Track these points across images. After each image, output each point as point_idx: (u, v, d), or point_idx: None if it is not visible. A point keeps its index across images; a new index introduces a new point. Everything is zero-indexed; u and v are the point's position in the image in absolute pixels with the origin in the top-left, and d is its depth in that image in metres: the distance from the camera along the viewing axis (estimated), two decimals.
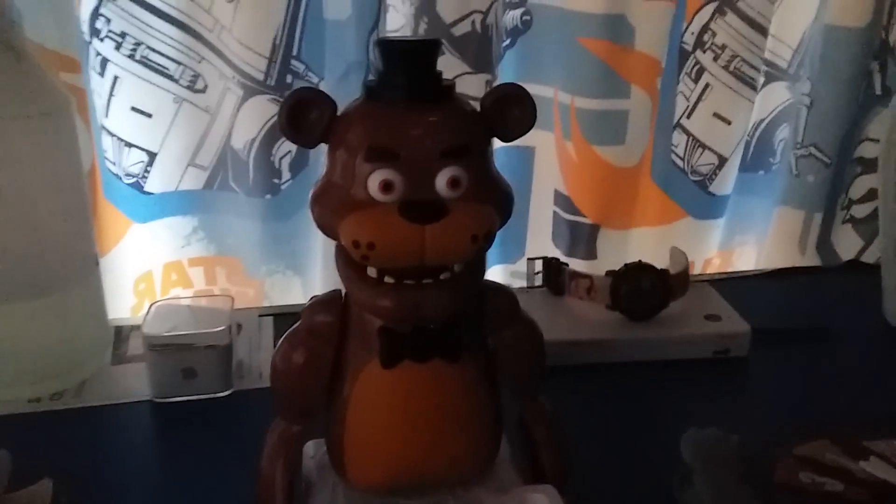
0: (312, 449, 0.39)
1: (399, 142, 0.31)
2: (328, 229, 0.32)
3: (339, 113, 0.32)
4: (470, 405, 0.35)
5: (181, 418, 0.51)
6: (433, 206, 0.30)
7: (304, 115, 0.31)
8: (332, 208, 0.31)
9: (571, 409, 0.39)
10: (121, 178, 0.65)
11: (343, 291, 0.34)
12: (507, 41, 0.69)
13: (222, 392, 0.53)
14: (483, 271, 0.34)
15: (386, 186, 0.30)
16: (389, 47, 0.32)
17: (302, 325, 0.35)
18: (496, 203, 0.32)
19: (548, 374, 0.38)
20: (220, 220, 0.70)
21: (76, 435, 0.49)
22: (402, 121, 0.31)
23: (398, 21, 0.63)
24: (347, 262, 0.32)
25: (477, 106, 0.33)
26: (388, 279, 0.31)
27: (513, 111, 0.32)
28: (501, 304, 0.36)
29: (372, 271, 0.31)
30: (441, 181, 0.31)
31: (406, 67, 0.31)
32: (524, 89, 0.33)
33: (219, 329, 0.52)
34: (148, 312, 0.53)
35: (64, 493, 0.42)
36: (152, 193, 0.67)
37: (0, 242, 0.49)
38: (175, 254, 0.71)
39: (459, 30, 0.62)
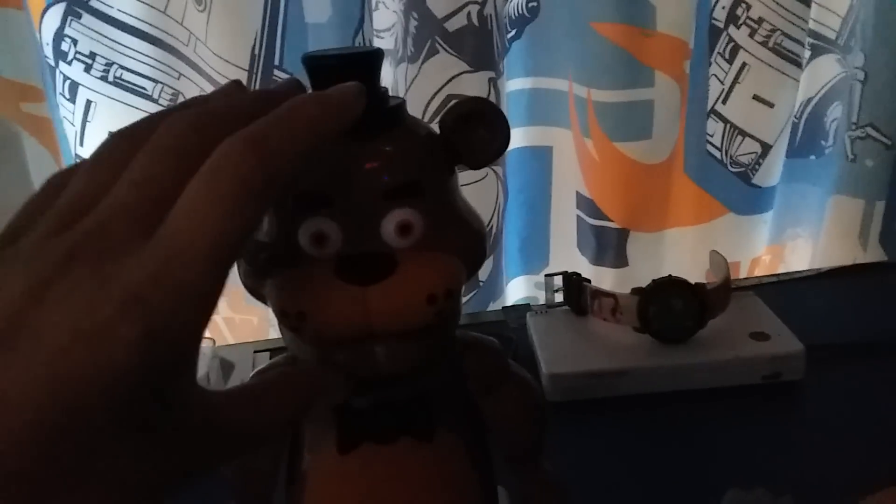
0: None
1: (332, 183, 0.24)
2: (254, 293, 0.26)
3: None
4: (449, 492, 0.28)
5: None
6: (378, 260, 0.24)
7: None
8: (255, 267, 0.26)
9: (592, 451, 0.33)
10: None
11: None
12: (513, 32, 0.62)
13: None
14: (457, 318, 0.28)
15: (318, 239, 0.24)
16: (315, 64, 0.25)
17: None
18: (462, 250, 0.26)
19: (567, 410, 0.31)
20: None
21: None
22: (336, 156, 0.25)
23: (387, 19, 0.57)
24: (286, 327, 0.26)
25: (436, 128, 0.27)
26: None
27: (477, 132, 0.26)
28: (483, 362, 0.30)
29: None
30: (388, 227, 0.24)
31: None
32: (491, 104, 0.26)
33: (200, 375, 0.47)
34: None
35: None
36: None
37: None
38: None
39: (454, 24, 0.56)
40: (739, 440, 0.45)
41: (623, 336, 0.51)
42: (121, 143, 0.21)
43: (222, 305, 0.68)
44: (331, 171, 0.25)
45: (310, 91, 0.26)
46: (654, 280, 0.50)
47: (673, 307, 0.49)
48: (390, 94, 0.26)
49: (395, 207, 0.24)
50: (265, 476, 0.30)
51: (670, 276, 0.50)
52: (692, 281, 0.50)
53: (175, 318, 0.18)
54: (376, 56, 0.26)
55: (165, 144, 0.20)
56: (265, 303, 0.26)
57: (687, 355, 0.49)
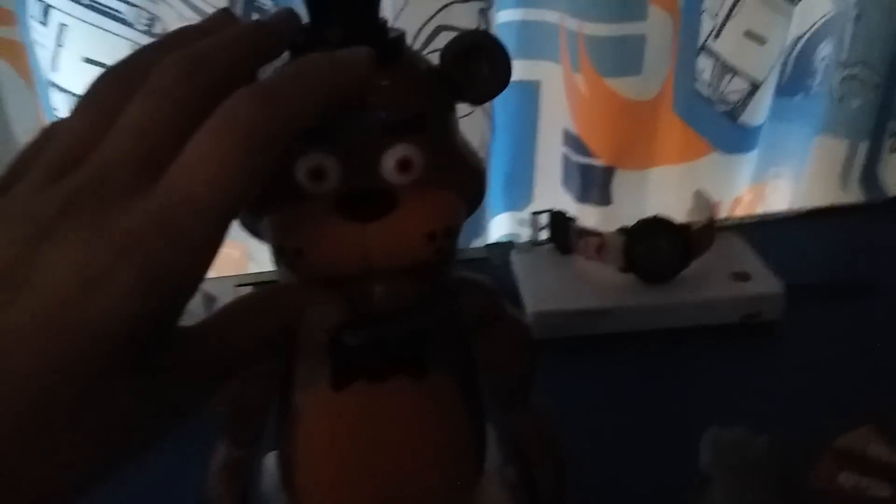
0: (272, 463, 0.34)
1: (332, 116, 0.24)
2: (250, 229, 0.26)
3: None
4: (443, 430, 0.29)
5: None
6: (378, 196, 0.24)
7: None
8: (251, 204, 0.25)
9: (575, 389, 0.33)
10: None
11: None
12: None
13: None
14: (454, 257, 0.27)
15: (316, 174, 0.24)
16: None
17: None
18: (461, 187, 0.25)
19: (551, 348, 0.32)
20: None
21: None
22: None
23: None
24: (281, 263, 0.26)
25: (435, 61, 0.26)
26: None
27: (480, 67, 0.25)
28: (480, 302, 0.30)
29: None
30: (388, 163, 0.24)
31: (336, 16, 0.24)
32: (494, 38, 0.25)
33: None
34: None
35: None
36: None
37: None
38: None
39: None
40: (720, 379, 0.47)
41: (608, 275, 0.51)
42: (113, 85, 0.21)
43: None
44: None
45: (304, 21, 0.25)
46: (640, 220, 0.50)
47: (658, 247, 0.50)
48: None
49: (396, 143, 0.24)
50: (256, 412, 0.30)
51: (656, 215, 0.50)
52: (677, 221, 0.50)
53: (176, 264, 0.18)
54: None
55: (162, 89, 0.20)
56: (260, 238, 0.25)
57: (670, 295, 0.50)
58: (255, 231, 0.25)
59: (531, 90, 0.66)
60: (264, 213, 0.24)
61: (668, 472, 0.37)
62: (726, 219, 0.67)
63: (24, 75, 0.54)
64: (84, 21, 0.56)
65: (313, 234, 0.24)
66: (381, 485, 0.28)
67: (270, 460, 0.34)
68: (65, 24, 0.56)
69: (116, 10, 0.56)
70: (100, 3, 0.56)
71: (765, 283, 0.51)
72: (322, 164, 0.24)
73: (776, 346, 0.50)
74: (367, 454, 0.28)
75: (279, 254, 0.24)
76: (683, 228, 0.50)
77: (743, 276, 0.51)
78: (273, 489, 0.33)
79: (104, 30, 0.57)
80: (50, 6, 0.55)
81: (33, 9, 0.54)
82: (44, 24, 0.55)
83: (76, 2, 0.55)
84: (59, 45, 0.56)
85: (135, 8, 0.57)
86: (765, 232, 0.60)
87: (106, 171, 0.18)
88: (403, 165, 0.24)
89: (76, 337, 0.17)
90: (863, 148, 0.70)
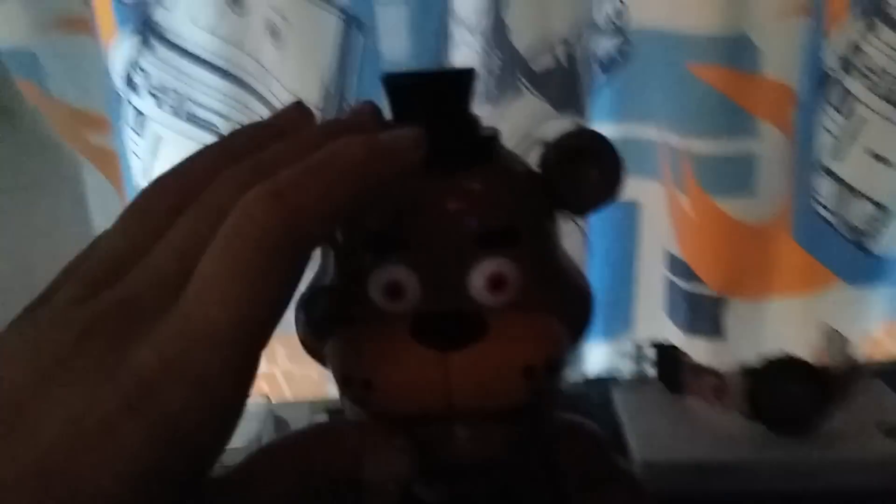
0: None
1: (413, 224, 0.20)
2: (313, 353, 0.21)
3: None
4: None
5: None
6: (464, 320, 0.19)
7: None
8: (315, 321, 0.21)
9: None
10: None
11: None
12: (603, 76, 0.58)
13: None
14: (556, 398, 0.22)
15: (393, 291, 0.20)
16: (395, 84, 0.21)
17: None
18: (565, 312, 0.21)
19: None
20: None
21: None
22: (418, 193, 0.20)
23: (466, 58, 0.53)
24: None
25: (534, 165, 0.22)
26: None
27: (588, 172, 0.21)
28: (584, 455, 0.24)
29: None
30: (477, 281, 0.20)
31: (422, 113, 0.21)
32: (603, 138, 0.21)
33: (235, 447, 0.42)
34: None
35: None
36: None
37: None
38: None
39: (540, 63, 0.51)
40: None
41: (729, 423, 0.44)
42: (163, 196, 0.18)
43: (280, 355, 0.64)
44: (410, 210, 0.20)
45: (388, 117, 0.21)
46: (766, 358, 0.43)
47: (791, 392, 0.42)
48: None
49: (487, 257, 0.20)
50: None
51: (787, 354, 0.43)
52: (811, 360, 0.43)
53: (188, 412, 0.15)
54: (467, 76, 0.21)
55: (216, 207, 0.17)
56: (324, 364, 0.21)
57: (806, 450, 0.42)
58: (318, 356, 0.21)
59: (630, 212, 0.62)
60: (329, 335, 0.20)
61: None
62: (865, 362, 0.59)
63: (115, 181, 0.54)
64: (180, 133, 0.56)
65: (385, 364, 0.19)
66: None
67: None
68: (160, 136, 0.56)
69: (211, 123, 0.57)
70: (196, 116, 0.56)
71: None
72: (399, 279, 0.20)
73: None
74: None
75: (345, 386, 0.20)
76: (821, 370, 0.42)
77: (894, 430, 0.43)
78: None
79: (198, 142, 0.57)
80: (148, 117, 0.55)
81: (131, 119, 0.55)
82: (140, 134, 0.56)
83: (174, 115, 0.56)
84: (154, 156, 0.56)
85: (229, 121, 0.57)
86: None
87: (134, 295, 0.16)
88: (496, 284, 0.20)
89: (71, 489, 0.15)
90: None
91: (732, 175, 0.57)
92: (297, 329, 0.22)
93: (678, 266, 0.61)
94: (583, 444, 0.24)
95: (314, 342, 0.21)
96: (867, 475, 0.41)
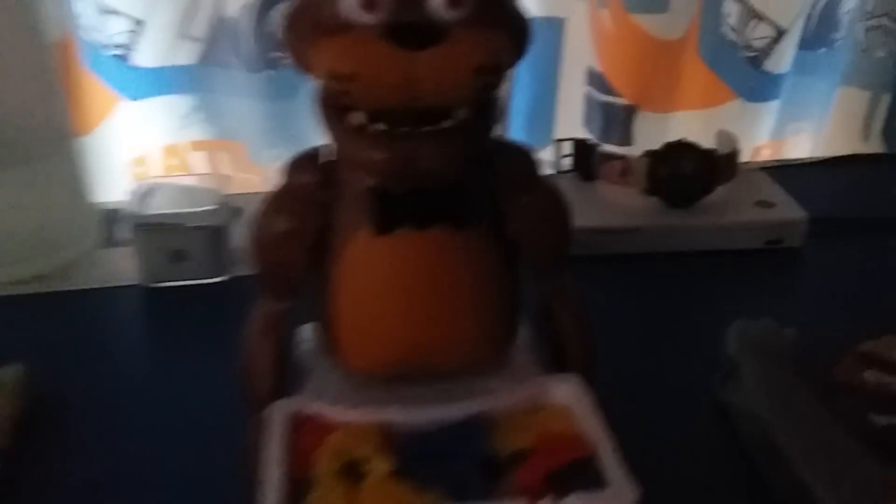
0: (307, 333, 0.34)
1: None
2: (302, 61, 0.26)
3: None
4: (478, 280, 0.29)
5: (171, 304, 0.47)
6: (427, 28, 0.24)
7: None
8: (303, 33, 0.25)
9: (601, 302, 0.34)
10: (104, 49, 0.59)
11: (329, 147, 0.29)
12: None
13: (215, 277, 0.49)
14: (494, 119, 0.28)
15: (368, 4, 0.24)
16: None
17: (281, 189, 0.29)
18: (511, 29, 0.26)
19: (575, 264, 0.32)
20: (220, 100, 0.65)
21: (60, 319, 0.46)
22: None
23: None
24: (329, 106, 0.26)
25: None
26: (376, 126, 0.25)
27: None
28: (517, 166, 0.30)
29: (357, 117, 0.26)
30: None
31: None
32: None
33: (209, 208, 0.47)
34: (137, 191, 0.49)
35: (36, 378, 0.38)
36: (142, 67, 0.61)
37: None
38: (173, 136, 0.65)
39: None
40: (740, 301, 0.47)
41: (632, 198, 0.51)
42: None
43: (224, 164, 0.68)
44: None
45: None
46: (666, 143, 0.50)
47: (683, 170, 0.50)
48: None
49: None
50: (294, 266, 0.30)
51: (682, 139, 0.50)
52: (702, 146, 0.50)
53: None
54: None
55: None
56: (310, 71, 0.26)
57: (693, 218, 0.50)
58: (307, 64, 0.26)
59: (555, 27, 0.66)
60: (315, 42, 0.25)
61: (695, 364, 0.37)
62: (749, 163, 0.67)
63: None
64: None
65: (365, 59, 0.24)
66: (416, 329, 0.29)
67: (305, 333, 0.34)
68: None
69: None
70: None
71: (788, 210, 0.51)
72: None
73: (797, 272, 0.50)
74: (405, 298, 0.28)
75: (332, 79, 0.24)
76: (709, 153, 0.50)
77: (766, 204, 0.51)
78: (310, 355, 0.33)
79: None
80: None
81: None
82: None
83: None
84: None
85: None
86: (786, 174, 0.60)
87: None
88: (453, 2, 0.24)
89: None
90: (885, 100, 0.70)
91: None
92: (286, 43, 0.26)
93: (596, 79, 0.67)
94: (513, 158, 0.30)
95: (301, 50, 0.25)
96: (741, 236, 0.50)
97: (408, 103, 0.24)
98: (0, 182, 0.46)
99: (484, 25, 0.25)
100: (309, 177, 0.29)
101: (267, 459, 0.26)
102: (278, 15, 0.60)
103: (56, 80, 0.50)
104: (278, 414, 0.28)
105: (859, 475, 0.29)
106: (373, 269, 0.28)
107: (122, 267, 0.50)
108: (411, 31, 0.24)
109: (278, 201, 0.29)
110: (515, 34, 0.26)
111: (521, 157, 0.30)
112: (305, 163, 0.29)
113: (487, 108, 0.27)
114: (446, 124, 0.26)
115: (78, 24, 0.57)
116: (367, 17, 0.24)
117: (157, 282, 0.48)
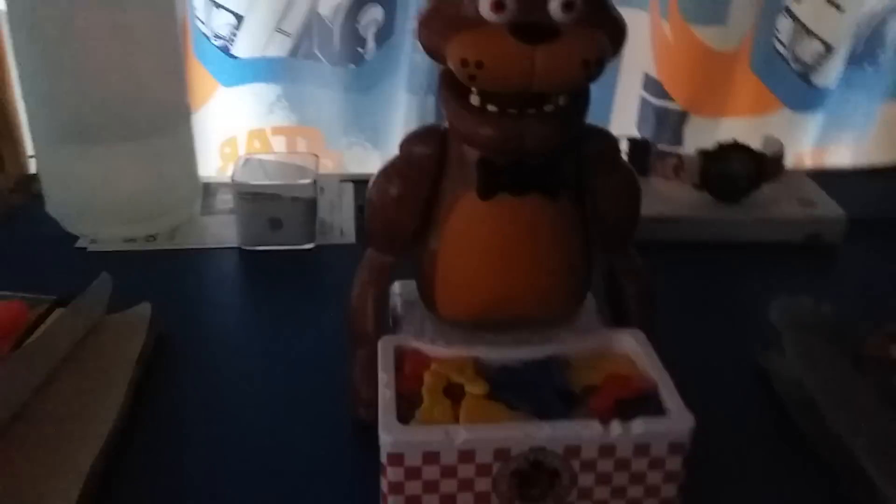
0: (399, 287, 0.40)
1: None
2: (435, 51, 0.31)
3: None
4: (563, 244, 0.34)
5: (267, 266, 0.53)
6: (545, 27, 0.29)
7: None
8: (439, 29, 0.31)
9: (656, 282, 0.39)
10: (210, 39, 0.66)
11: (442, 125, 0.34)
12: None
13: (306, 244, 0.55)
14: (587, 107, 0.33)
15: (497, 5, 0.30)
16: None
17: (399, 157, 0.35)
18: (609, 30, 0.31)
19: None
20: (303, 90, 0.71)
21: (170, 273, 0.52)
22: None
23: None
24: (451, 89, 0.32)
25: None
26: (490, 107, 0.31)
27: None
28: (602, 147, 0.35)
29: (475, 99, 0.31)
30: (554, 3, 0.30)
31: None
32: None
33: (305, 182, 0.53)
34: (238, 164, 0.55)
35: (160, 318, 0.44)
36: (239, 57, 0.67)
37: (99, 86, 0.51)
38: (259, 121, 0.72)
39: None
40: (780, 286, 0.51)
41: (683, 192, 0.56)
42: None
43: (302, 148, 0.74)
44: None
45: None
46: (718, 142, 0.55)
47: (732, 168, 0.55)
48: None
49: None
50: (402, 223, 0.35)
51: (734, 139, 0.55)
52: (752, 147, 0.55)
53: None
54: None
55: None
56: (442, 61, 0.31)
57: (739, 212, 0.55)
58: (439, 54, 0.31)
59: None
60: (454, 35, 0.30)
61: (741, 335, 0.42)
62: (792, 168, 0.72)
63: None
64: None
65: (493, 50, 0.29)
66: (505, 282, 0.34)
67: (397, 287, 0.40)
68: None
69: None
70: None
71: (827, 209, 0.55)
72: None
73: (834, 266, 0.54)
74: (500, 254, 0.34)
75: (463, 65, 0.29)
76: (757, 154, 0.55)
77: (808, 203, 0.56)
78: (402, 305, 0.39)
79: None
80: None
81: None
82: None
83: None
84: None
85: None
86: (828, 179, 0.65)
87: None
88: (567, 5, 0.30)
89: None
90: None
91: (710, 6, 0.67)
92: (421, 37, 0.32)
93: (651, 84, 0.72)
94: (600, 140, 0.35)
95: (436, 43, 0.31)
96: (783, 230, 0.54)
97: (523, 88, 0.30)
98: (126, 152, 0.53)
99: (591, 26, 0.30)
100: (426, 148, 0.34)
101: (379, 382, 0.31)
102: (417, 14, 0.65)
103: (181, 61, 0.56)
104: (386, 346, 0.34)
105: (880, 427, 0.34)
106: (475, 228, 0.34)
107: (222, 231, 0.56)
108: (531, 29, 0.29)
109: (397, 168, 0.35)
110: (615, 33, 0.31)
111: (607, 141, 0.35)
112: (426, 136, 0.34)
113: (582, 96, 0.32)
114: (548, 108, 0.31)
115: (195, 14, 0.64)
116: (495, 17, 0.30)
117: (255, 245, 0.54)
